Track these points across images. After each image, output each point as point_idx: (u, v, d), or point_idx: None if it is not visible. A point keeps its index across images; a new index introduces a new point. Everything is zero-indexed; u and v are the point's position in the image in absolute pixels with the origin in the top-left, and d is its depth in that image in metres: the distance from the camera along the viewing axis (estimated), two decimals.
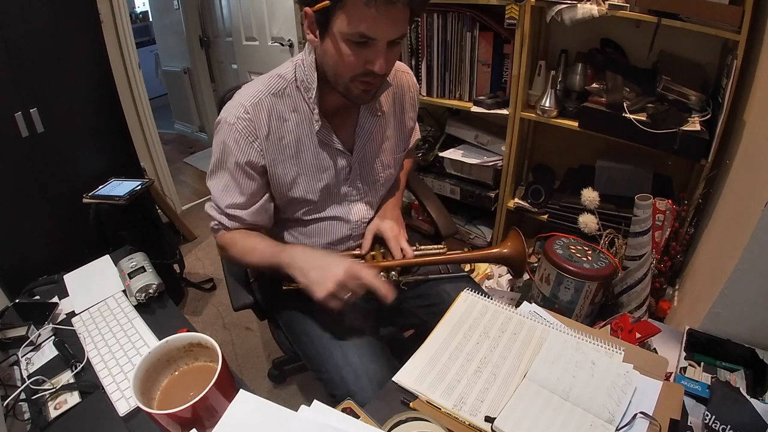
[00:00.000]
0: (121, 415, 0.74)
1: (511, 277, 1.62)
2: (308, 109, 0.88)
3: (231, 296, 1.03)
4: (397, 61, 1.00)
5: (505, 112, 1.62)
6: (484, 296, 0.87)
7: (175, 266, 1.99)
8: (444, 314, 0.84)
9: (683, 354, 0.82)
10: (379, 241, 1.02)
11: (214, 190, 0.93)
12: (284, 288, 0.93)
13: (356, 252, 1.02)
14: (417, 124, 1.16)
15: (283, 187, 0.92)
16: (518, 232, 1.00)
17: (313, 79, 0.85)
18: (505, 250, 1.00)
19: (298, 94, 0.88)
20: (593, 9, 1.31)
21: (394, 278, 0.94)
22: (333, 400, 0.83)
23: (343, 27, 0.72)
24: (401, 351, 0.97)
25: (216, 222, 0.97)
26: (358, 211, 1.02)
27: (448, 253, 0.98)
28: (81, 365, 0.83)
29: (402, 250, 0.96)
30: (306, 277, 0.81)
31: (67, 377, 0.81)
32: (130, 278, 0.97)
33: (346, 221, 1.01)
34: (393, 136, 1.02)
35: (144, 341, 0.87)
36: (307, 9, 0.75)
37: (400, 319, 1.08)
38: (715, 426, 0.65)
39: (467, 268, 1.13)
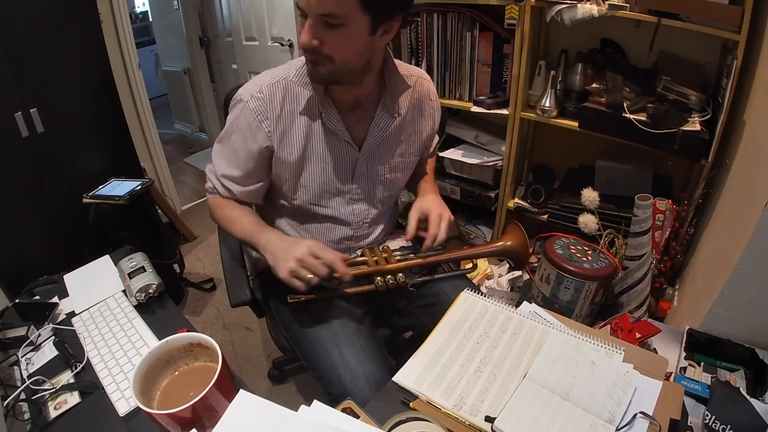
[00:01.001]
0: (121, 415, 0.74)
1: (511, 277, 1.62)
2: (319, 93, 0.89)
3: (229, 293, 1.03)
4: (419, 69, 1.04)
5: (505, 112, 1.62)
6: (484, 296, 0.87)
7: (175, 266, 1.99)
8: (442, 314, 0.84)
9: (683, 354, 0.82)
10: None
11: (216, 156, 0.97)
12: (290, 301, 0.93)
13: (359, 259, 1.02)
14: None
15: (288, 170, 0.94)
16: (517, 223, 1.00)
17: None
18: (509, 243, 0.99)
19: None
20: (593, 9, 1.31)
21: (401, 280, 0.94)
22: (330, 399, 0.84)
23: None
24: (400, 352, 0.98)
25: (211, 185, 1.01)
26: (359, 210, 1.02)
27: (450, 250, 0.98)
28: (81, 365, 0.83)
29: (437, 233, 0.94)
30: (273, 257, 0.84)
31: (67, 377, 0.81)
32: (130, 278, 0.97)
33: (346, 221, 1.01)
34: (406, 140, 1.01)
35: (144, 341, 0.87)
36: None
37: (397, 320, 1.08)
38: (715, 426, 0.65)
39: (469, 265, 1.12)
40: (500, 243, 1.01)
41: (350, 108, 0.92)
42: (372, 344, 0.90)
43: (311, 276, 0.81)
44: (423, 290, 1.03)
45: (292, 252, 0.81)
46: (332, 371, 0.85)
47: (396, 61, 0.99)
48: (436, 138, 1.17)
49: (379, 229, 1.08)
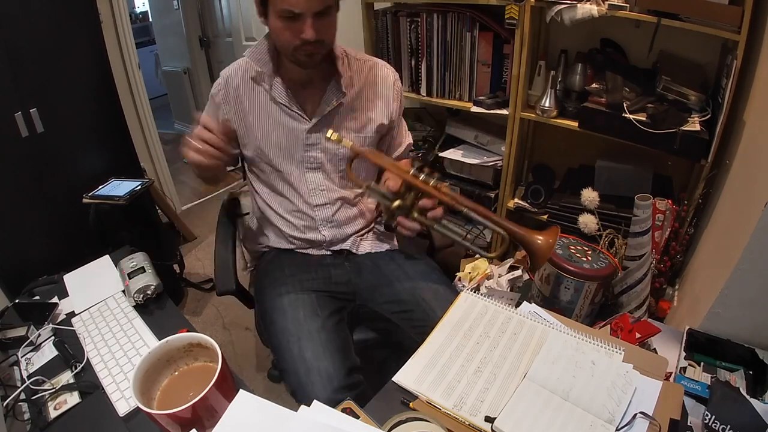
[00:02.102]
0: (121, 415, 0.74)
1: (511, 277, 1.62)
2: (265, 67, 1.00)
3: (216, 281, 1.10)
4: (382, 60, 1.13)
5: (505, 112, 1.62)
6: (484, 296, 0.87)
7: (175, 266, 1.99)
8: (421, 322, 0.88)
9: (683, 354, 0.82)
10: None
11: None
12: None
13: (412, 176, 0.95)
14: (407, 131, 1.21)
15: (245, 137, 1.06)
16: (558, 229, 0.90)
17: (265, 51, 0.99)
18: (540, 238, 0.87)
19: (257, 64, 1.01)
20: (593, 9, 1.31)
21: (425, 219, 0.91)
22: (290, 392, 0.88)
23: (274, 5, 0.86)
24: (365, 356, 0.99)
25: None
26: (312, 179, 1.08)
27: (482, 208, 0.91)
28: (81, 365, 0.83)
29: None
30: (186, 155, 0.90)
31: (67, 377, 0.81)
32: (130, 278, 0.97)
33: (301, 188, 1.08)
34: (360, 117, 1.08)
35: (144, 341, 0.87)
36: None
37: (371, 322, 1.10)
38: (715, 426, 0.65)
39: (491, 253, 1.06)
40: (531, 233, 0.88)
41: (303, 85, 1.03)
42: (333, 340, 0.92)
43: (205, 146, 0.86)
44: (402, 295, 1.02)
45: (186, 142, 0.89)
46: (291, 364, 0.88)
47: (358, 51, 1.11)
48: (408, 141, 1.21)
49: (340, 207, 1.11)
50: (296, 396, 0.86)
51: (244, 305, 1.18)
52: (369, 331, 1.11)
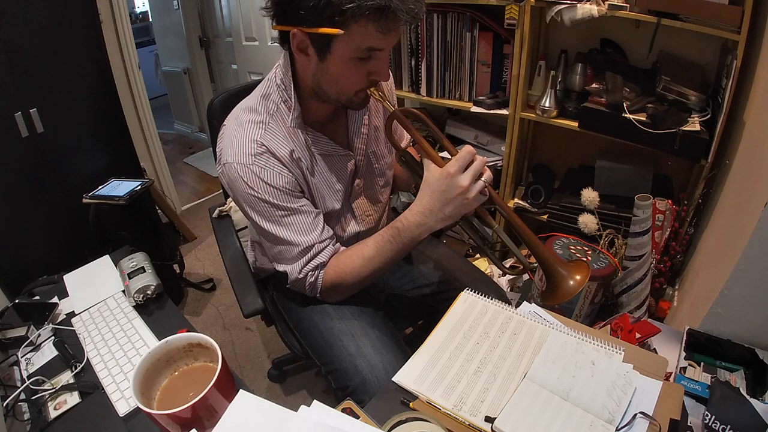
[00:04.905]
0: (120, 416, 0.74)
1: (511, 277, 1.62)
2: (301, 128, 0.87)
3: (240, 303, 0.99)
4: None
5: (504, 112, 1.62)
6: (484, 296, 0.87)
7: (175, 266, 1.99)
8: (452, 293, 0.86)
9: (683, 354, 0.82)
10: None
11: (292, 237, 0.85)
12: None
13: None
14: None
15: (314, 203, 0.91)
16: (589, 270, 0.81)
17: (293, 98, 0.83)
18: (573, 279, 0.79)
19: (288, 114, 0.85)
20: (593, 9, 1.31)
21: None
22: (347, 392, 0.84)
23: (349, 48, 0.71)
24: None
25: (310, 274, 0.89)
26: (361, 205, 1.01)
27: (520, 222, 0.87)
28: (81, 365, 0.83)
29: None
30: (449, 216, 0.80)
31: (66, 377, 0.81)
32: (130, 278, 0.96)
33: (354, 216, 1.01)
34: (381, 125, 1.00)
35: (144, 341, 0.87)
36: (295, 30, 0.71)
37: (408, 312, 1.11)
38: (715, 426, 0.65)
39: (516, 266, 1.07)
40: (561, 264, 0.82)
41: (325, 120, 0.90)
42: (387, 334, 0.91)
43: (483, 180, 0.80)
44: (430, 276, 1.06)
45: (459, 192, 0.78)
46: (349, 362, 0.85)
47: None
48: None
49: (381, 222, 1.08)
50: (356, 395, 0.81)
51: (264, 321, 1.14)
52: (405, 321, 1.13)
